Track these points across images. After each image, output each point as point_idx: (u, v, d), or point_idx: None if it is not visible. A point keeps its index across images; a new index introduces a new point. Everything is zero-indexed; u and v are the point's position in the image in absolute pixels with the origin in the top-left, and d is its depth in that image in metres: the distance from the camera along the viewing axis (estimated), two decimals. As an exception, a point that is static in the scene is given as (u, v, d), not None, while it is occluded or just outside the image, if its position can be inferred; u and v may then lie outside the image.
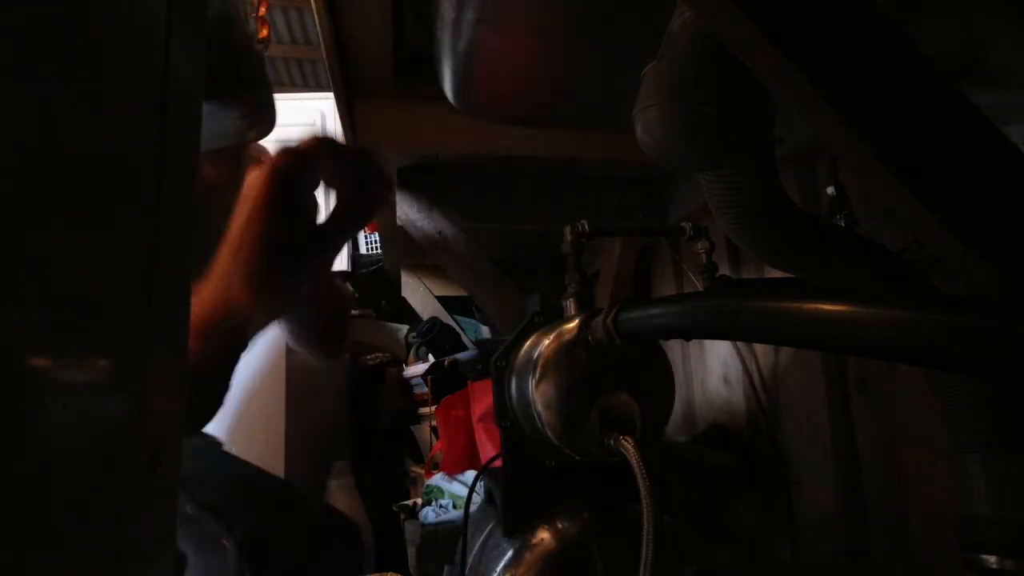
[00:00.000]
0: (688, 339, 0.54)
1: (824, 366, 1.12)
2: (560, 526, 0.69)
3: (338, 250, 0.55)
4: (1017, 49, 0.53)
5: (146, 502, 0.22)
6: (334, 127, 2.19)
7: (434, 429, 1.94)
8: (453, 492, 1.56)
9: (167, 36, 0.23)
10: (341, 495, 1.67)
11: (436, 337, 2.14)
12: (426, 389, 2.02)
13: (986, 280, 0.41)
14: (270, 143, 0.80)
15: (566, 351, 0.64)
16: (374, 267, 2.56)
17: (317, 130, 0.96)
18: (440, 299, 2.34)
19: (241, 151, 0.81)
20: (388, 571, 1.31)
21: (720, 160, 0.58)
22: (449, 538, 1.30)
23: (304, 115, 2.23)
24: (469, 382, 1.73)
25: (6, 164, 0.16)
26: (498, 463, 0.77)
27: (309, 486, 1.65)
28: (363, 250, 2.67)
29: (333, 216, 0.52)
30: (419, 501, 1.63)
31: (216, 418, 0.54)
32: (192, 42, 0.25)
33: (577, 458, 0.66)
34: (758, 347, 1.34)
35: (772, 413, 1.27)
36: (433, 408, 1.86)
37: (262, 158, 0.68)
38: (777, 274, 0.69)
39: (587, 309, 0.68)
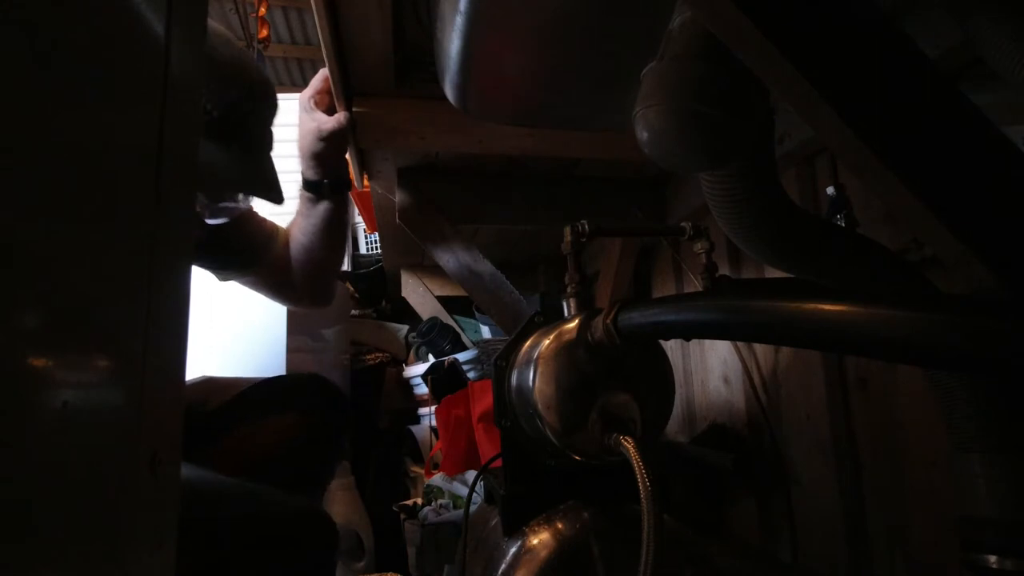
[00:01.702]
0: (688, 339, 0.54)
1: (824, 366, 1.12)
2: (560, 526, 0.69)
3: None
4: (1016, 49, 0.53)
5: (146, 501, 0.22)
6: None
7: (434, 429, 1.94)
8: (453, 492, 1.56)
9: (167, 36, 0.23)
10: (341, 495, 1.67)
11: (436, 337, 2.14)
12: (426, 389, 2.01)
13: (986, 280, 0.41)
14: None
15: (566, 351, 0.64)
16: (374, 267, 2.56)
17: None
18: (440, 299, 2.34)
19: None
20: (388, 571, 1.31)
21: (720, 160, 0.58)
22: (449, 538, 1.31)
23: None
24: (469, 382, 1.73)
25: (6, 165, 0.16)
26: (498, 463, 0.77)
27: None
28: (363, 250, 2.67)
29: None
30: (419, 501, 1.64)
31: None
32: (192, 42, 0.25)
33: (577, 458, 0.66)
34: (758, 347, 1.34)
35: (772, 413, 1.27)
36: (433, 408, 1.86)
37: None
38: (777, 274, 0.69)
39: (587, 309, 0.68)
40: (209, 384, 1.10)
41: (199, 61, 0.26)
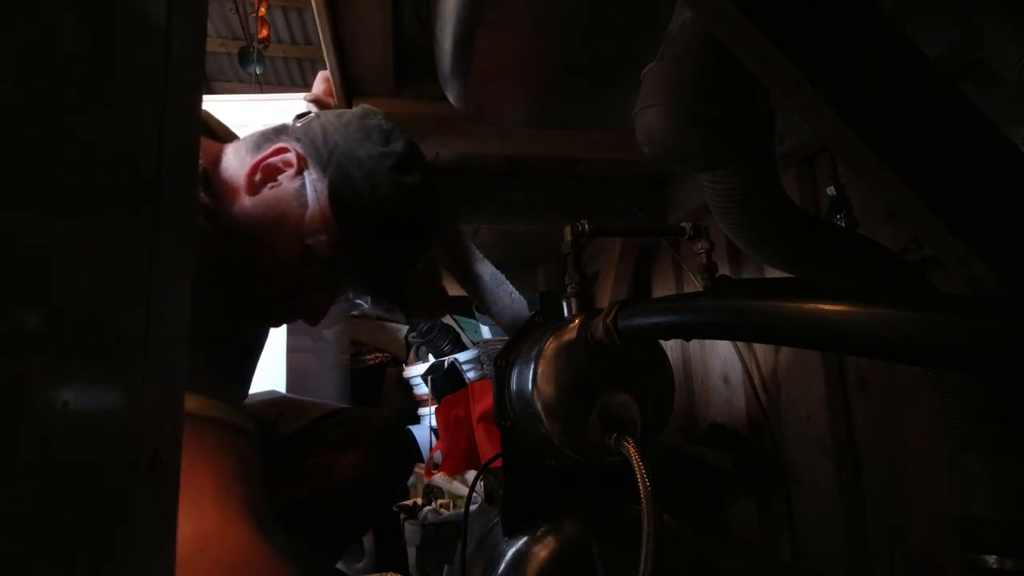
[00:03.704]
0: (688, 339, 0.54)
1: (824, 366, 1.12)
2: (560, 526, 0.69)
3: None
4: (1016, 49, 0.53)
5: (146, 501, 0.22)
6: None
7: (434, 429, 1.94)
8: (453, 492, 1.56)
9: (167, 33, 0.23)
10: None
11: (436, 337, 2.14)
12: (426, 389, 2.02)
13: (986, 279, 0.41)
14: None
15: (566, 351, 0.64)
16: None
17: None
18: (440, 299, 2.34)
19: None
20: (388, 571, 1.31)
21: (720, 160, 0.58)
22: (449, 538, 1.31)
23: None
24: (469, 382, 1.73)
25: (6, 165, 0.16)
26: (498, 463, 0.77)
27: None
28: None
29: None
30: (419, 501, 1.64)
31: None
32: (192, 40, 0.25)
33: (577, 458, 0.66)
34: (758, 347, 1.34)
35: (772, 413, 1.27)
36: (433, 408, 1.86)
37: None
38: (777, 274, 0.69)
39: (587, 309, 0.68)
40: (281, 404, 1.09)
41: (199, 59, 0.26)
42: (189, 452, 0.54)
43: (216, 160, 0.76)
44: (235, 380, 0.66)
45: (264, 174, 0.73)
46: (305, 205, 0.72)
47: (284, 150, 0.73)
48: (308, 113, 0.81)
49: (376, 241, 0.76)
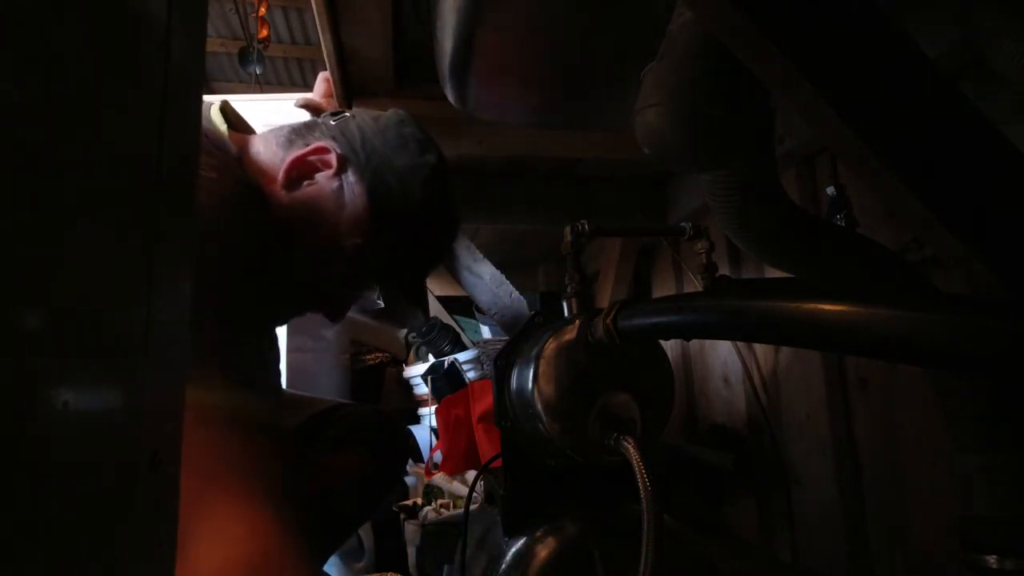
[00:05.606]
0: (688, 339, 0.54)
1: (824, 366, 1.12)
2: (560, 526, 0.69)
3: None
4: (1017, 49, 0.53)
5: (146, 502, 0.22)
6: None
7: (434, 429, 1.94)
8: (453, 492, 1.56)
9: (167, 32, 0.23)
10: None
11: (436, 337, 2.14)
12: (426, 389, 2.01)
13: (986, 279, 0.41)
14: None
15: (566, 351, 0.64)
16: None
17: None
18: (440, 299, 2.34)
19: None
20: (388, 571, 1.31)
21: (720, 160, 0.58)
22: (449, 538, 1.30)
23: (304, 115, 2.23)
24: (469, 382, 1.73)
25: (7, 165, 0.16)
26: (498, 463, 0.77)
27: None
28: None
29: None
30: (419, 501, 1.63)
31: None
32: (192, 40, 0.25)
33: (577, 458, 0.66)
34: (758, 347, 1.34)
35: (772, 413, 1.27)
36: (433, 408, 1.86)
37: None
38: (777, 274, 0.69)
39: (587, 309, 0.68)
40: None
41: (200, 59, 0.26)
42: (239, 460, 0.54)
43: (244, 148, 0.76)
44: (269, 371, 0.66)
45: (301, 171, 0.73)
46: (342, 206, 0.73)
47: (324, 150, 0.74)
48: (342, 112, 0.82)
49: (405, 245, 0.78)
